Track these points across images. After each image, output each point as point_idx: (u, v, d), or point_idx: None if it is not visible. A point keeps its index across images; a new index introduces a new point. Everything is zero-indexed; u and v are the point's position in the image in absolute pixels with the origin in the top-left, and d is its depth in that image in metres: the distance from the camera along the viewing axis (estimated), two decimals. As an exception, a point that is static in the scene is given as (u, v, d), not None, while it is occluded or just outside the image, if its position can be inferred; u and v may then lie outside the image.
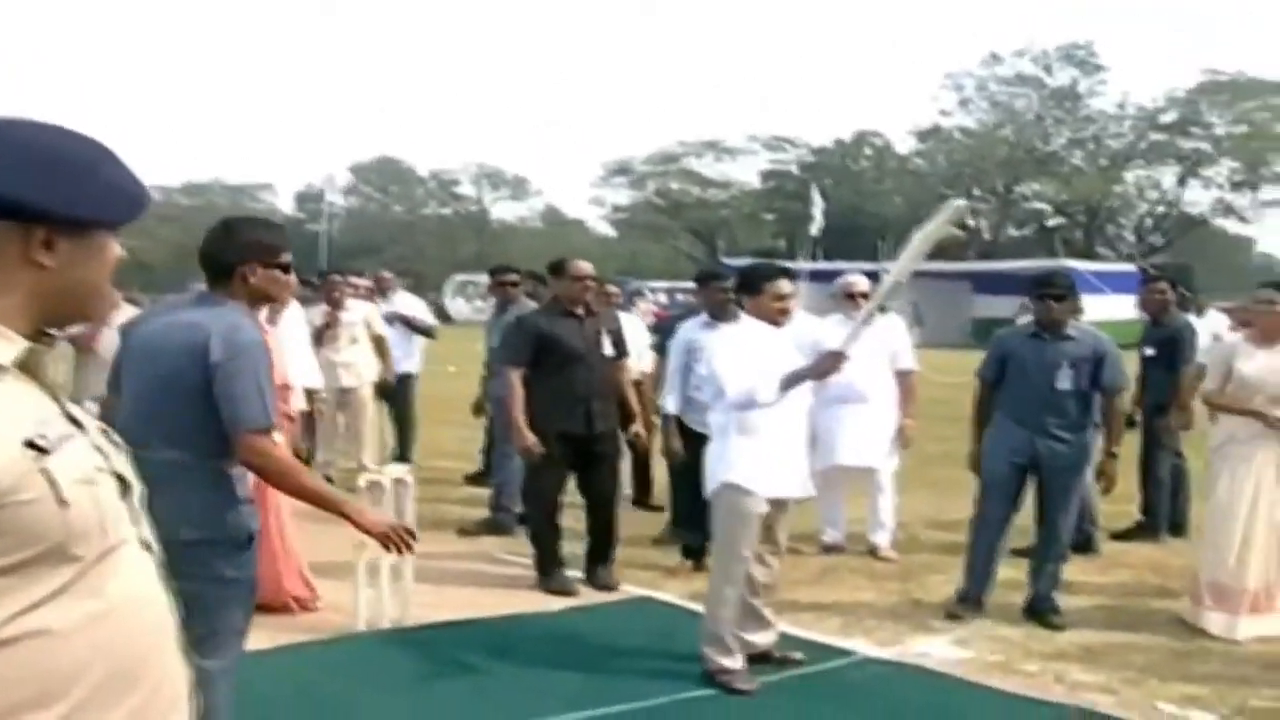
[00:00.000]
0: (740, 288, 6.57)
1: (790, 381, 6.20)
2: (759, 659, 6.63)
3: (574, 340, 8.41)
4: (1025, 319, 15.39)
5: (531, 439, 8.25)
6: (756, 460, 6.38)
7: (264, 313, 5.66)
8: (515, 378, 8.42)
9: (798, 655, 6.84)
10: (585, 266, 8.63)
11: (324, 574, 7.93)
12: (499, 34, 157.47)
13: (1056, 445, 7.77)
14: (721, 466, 6.49)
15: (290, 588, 7.57)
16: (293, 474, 4.34)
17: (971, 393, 8.39)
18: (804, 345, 6.45)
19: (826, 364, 6.23)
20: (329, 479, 11.84)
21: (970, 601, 8.00)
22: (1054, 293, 7.83)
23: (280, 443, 4.84)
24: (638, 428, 8.91)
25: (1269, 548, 7.59)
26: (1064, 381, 7.74)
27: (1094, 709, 6.19)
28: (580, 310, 8.52)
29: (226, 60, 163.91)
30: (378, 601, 7.32)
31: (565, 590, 8.31)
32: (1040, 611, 7.88)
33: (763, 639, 6.72)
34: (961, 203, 7.60)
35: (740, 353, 6.38)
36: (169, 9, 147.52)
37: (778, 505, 6.54)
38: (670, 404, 8.87)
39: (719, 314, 8.69)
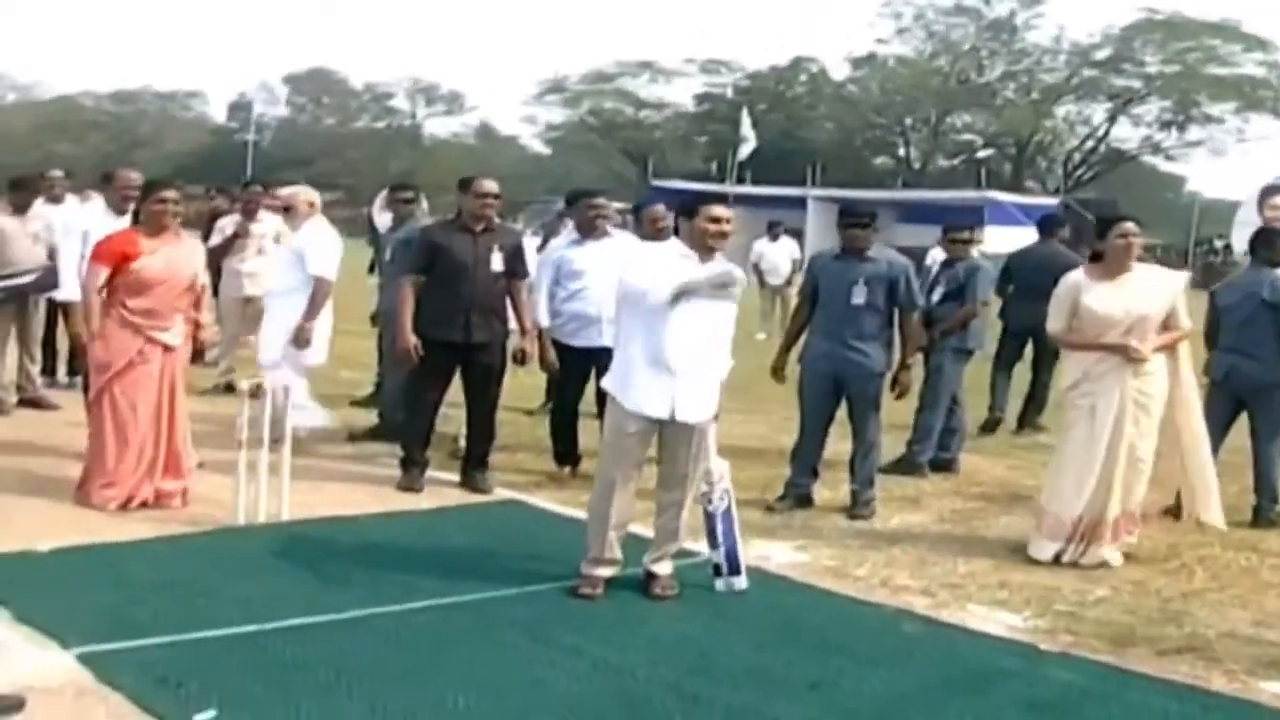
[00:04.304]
0: (679, 212, 6.90)
1: (682, 290, 6.46)
2: None
3: (463, 254, 8.83)
4: (936, 250, 15.98)
5: (412, 341, 8.74)
6: (633, 372, 6.67)
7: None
8: (407, 285, 8.89)
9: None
10: (489, 185, 9.02)
11: (208, 470, 8.43)
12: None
13: (854, 355, 8.74)
14: (609, 374, 6.89)
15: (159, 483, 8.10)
16: None
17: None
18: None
19: (722, 279, 6.62)
20: (231, 386, 12.26)
21: (793, 497, 8.96)
22: (856, 221, 8.85)
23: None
24: (522, 343, 9.32)
25: (1129, 481, 7.85)
26: (858, 297, 8.70)
27: (910, 610, 6.75)
28: (479, 226, 8.93)
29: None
30: (256, 498, 7.75)
31: (411, 487, 8.88)
32: (854, 504, 8.88)
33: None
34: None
35: (642, 256, 6.85)
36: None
37: (668, 427, 6.75)
38: (542, 318, 9.35)
39: (587, 231, 9.34)
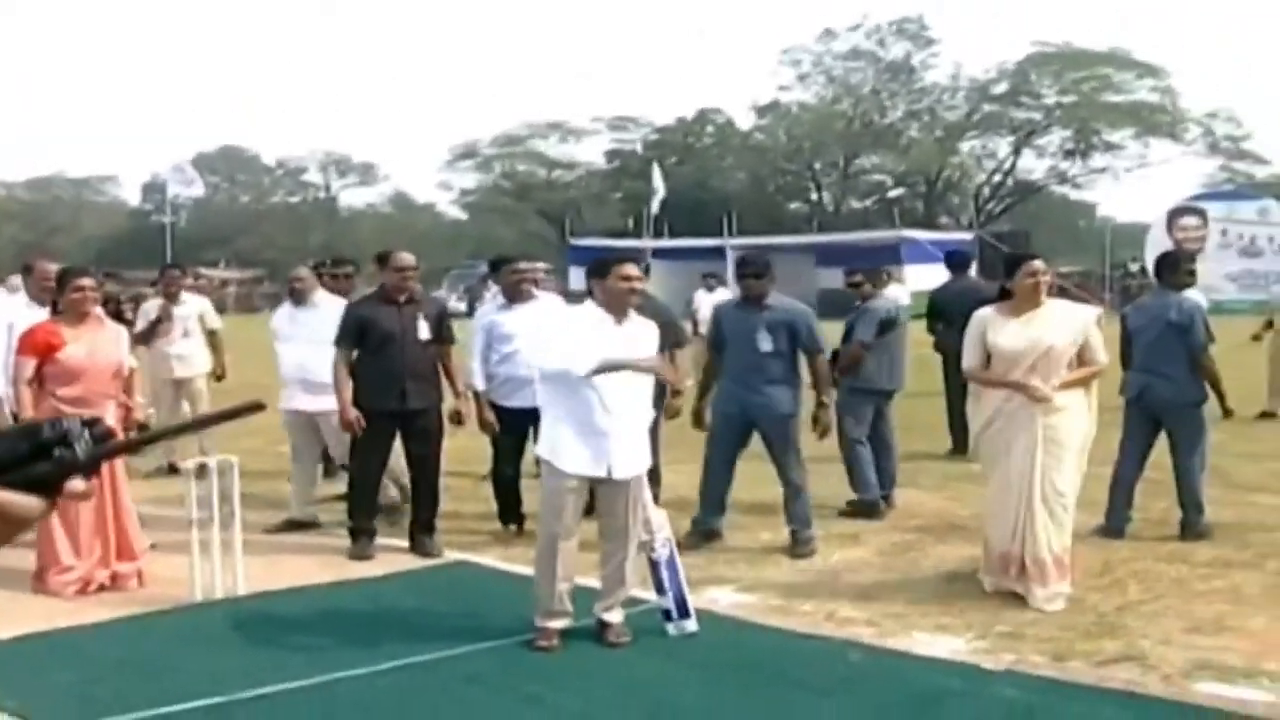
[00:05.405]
0: (590, 274, 7.09)
1: (611, 366, 6.71)
2: None
3: (391, 325, 9.06)
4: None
5: (354, 414, 8.93)
6: (562, 436, 6.89)
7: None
8: (340, 359, 9.09)
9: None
10: (406, 258, 9.31)
11: (162, 551, 8.56)
12: (338, 16, 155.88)
13: (762, 399, 9.09)
14: (540, 439, 7.12)
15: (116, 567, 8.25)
16: None
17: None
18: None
19: (656, 366, 7.03)
20: (173, 467, 12.37)
21: (700, 533, 9.26)
22: (752, 271, 9.31)
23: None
24: (456, 405, 9.57)
25: (1057, 519, 7.72)
26: (764, 344, 9.06)
27: (857, 640, 6.97)
28: (402, 298, 9.17)
29: (63, 52, 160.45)
30: (212, 575, 7.88)
31: (362, 555, 9.04)
32: (794, 544, 9.12)
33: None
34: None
35: (558, 329, 7.06)
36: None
37: (604, 484, 6.98)
38: (478, 381, 9.57)
39: (513, 296, 9.59)
